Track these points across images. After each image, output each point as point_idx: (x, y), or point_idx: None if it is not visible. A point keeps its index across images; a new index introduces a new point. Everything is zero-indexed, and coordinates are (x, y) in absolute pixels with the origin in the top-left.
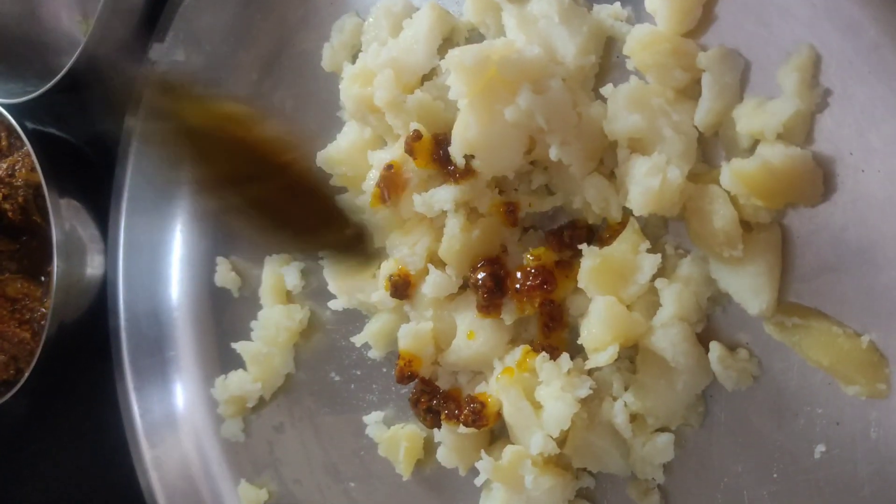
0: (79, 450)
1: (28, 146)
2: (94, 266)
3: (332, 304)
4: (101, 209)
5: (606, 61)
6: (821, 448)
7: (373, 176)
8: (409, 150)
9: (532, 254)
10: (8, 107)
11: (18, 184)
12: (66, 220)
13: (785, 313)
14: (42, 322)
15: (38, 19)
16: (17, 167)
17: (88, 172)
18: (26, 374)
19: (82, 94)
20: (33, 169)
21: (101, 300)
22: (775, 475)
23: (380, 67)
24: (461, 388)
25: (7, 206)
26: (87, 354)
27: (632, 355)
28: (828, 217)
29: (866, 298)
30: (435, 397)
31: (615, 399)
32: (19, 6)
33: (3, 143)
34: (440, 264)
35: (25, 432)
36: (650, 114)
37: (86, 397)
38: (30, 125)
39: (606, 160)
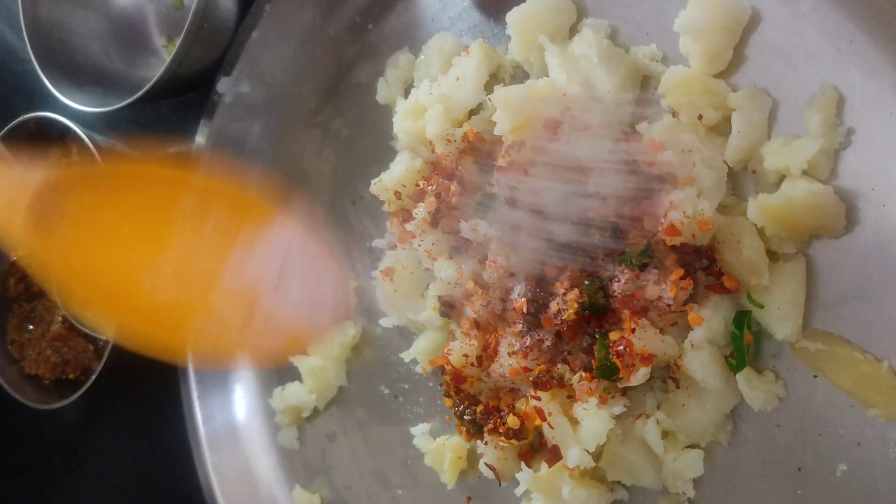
0: (138, 449)
1: (99, 161)
2: None
3: (383, 322)
4: None
5: (642, 99)
6: (842, 467)
7: (423, 203)
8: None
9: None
10: (76, 117)
11: None
12: None
13: (809, 339)
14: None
15: (128, 36)
16: None
17: None
18: (92, 377)
19: (150, 112)
20: None
21: None
22: (799, 492)
23: (431, 103)
24: (503, 400)
25: None
26: (148, 359)
27: (664, 376)
28: (851, 248)
29: (887, 326)
30: (478, 411)
31: (648, 416)
32: (108, 23)
33: (74, 157)
34: (485, 286)
35: (85, 432)
36: (683, 149)
37: (146, 399)
38: (99, 138)
39: None
